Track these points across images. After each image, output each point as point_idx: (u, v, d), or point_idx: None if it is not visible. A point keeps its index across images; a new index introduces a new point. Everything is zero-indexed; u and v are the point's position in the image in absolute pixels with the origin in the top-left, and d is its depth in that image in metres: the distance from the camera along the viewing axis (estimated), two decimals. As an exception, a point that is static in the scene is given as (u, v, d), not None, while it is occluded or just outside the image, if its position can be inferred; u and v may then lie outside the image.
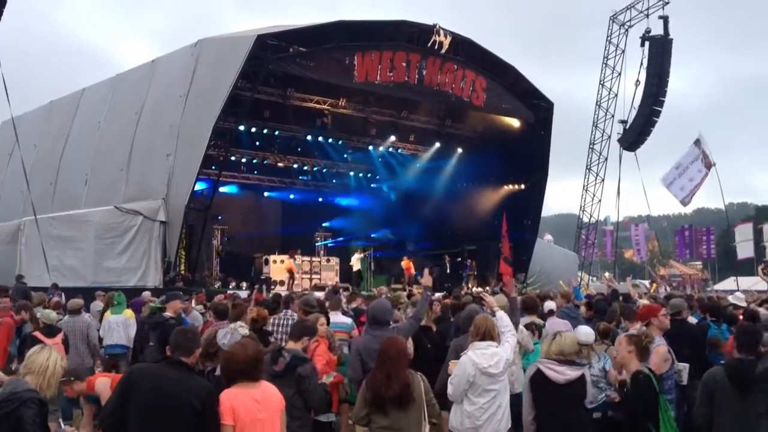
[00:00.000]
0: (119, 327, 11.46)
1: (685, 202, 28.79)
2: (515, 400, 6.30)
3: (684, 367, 7.29)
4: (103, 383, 6.51)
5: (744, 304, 11.09)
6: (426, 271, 8.24)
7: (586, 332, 7.27)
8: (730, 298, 12.03)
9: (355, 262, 27.84)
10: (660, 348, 6.60)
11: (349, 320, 9.40)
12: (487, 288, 24.35)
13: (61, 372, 4.97)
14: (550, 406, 5.67)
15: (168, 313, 9.55)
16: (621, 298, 12.41)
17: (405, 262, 28.17)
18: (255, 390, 4.70)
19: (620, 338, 6.26)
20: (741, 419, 5.36)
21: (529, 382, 5.83)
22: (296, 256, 26.48)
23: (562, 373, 5.64)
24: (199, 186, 22.51)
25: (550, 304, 9.98)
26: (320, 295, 15.77)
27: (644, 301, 11.03)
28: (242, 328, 7.91)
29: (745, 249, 35.49)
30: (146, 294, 14.17)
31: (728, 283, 35.63)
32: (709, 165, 26.92)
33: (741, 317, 9.52)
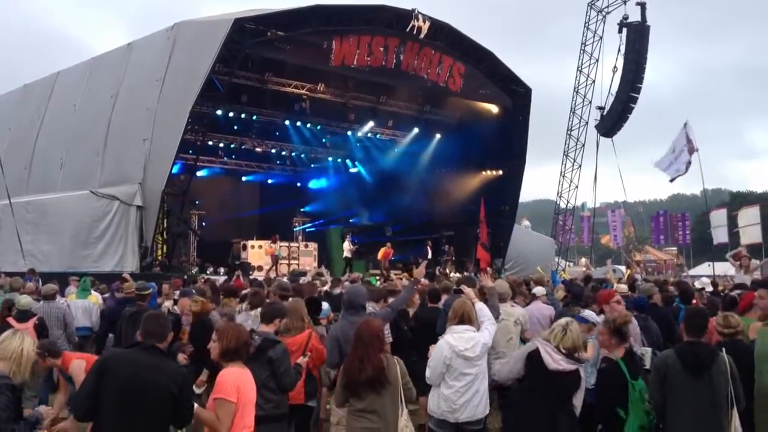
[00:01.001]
0: (79, 311, 11.65)
1: (673, 180, 29.04)
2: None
3: (646, 351, 7.37)
4: (79, 365, 6.51)
5: (710, 288, 11.29)
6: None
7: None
8: (697, 284, 12.26)
9: (346, 249, 27.73)
10: None
11: (326, 305, 9.36)
12: (466, 273, 24.40)
13: (34, 357, 4.96)
14: (535, 390, 5.61)
15: (175, 309, 9.52)
16: (593, 283, 12.53)
17: (382, 252, 28.09)
18: (247, 371, 4.85)
19: (600, 330, 6.30)
20: (694, 402, 5.38)
21: (525, 358, 5.71)
22: (277, 243, 26.39)
23: (558, 363, 5.53)
24: (176, 170, 22.34)
25: (539, 290, 9.90)
26: (303, 279, 15.73)
27: (622, 286, 11.15)
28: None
29: (720, 234, 35.87)
30: (126, 276, 14.05)
31: (703, 269, 36.08)
32: (692, 150, 27.14)
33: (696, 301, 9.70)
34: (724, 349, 5.63)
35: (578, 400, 5.72)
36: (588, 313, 7.32)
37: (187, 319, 8.57)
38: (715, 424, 5.38)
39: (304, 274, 20.61)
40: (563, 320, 5.93)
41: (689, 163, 27.51)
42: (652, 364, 5.93)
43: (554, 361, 5.55)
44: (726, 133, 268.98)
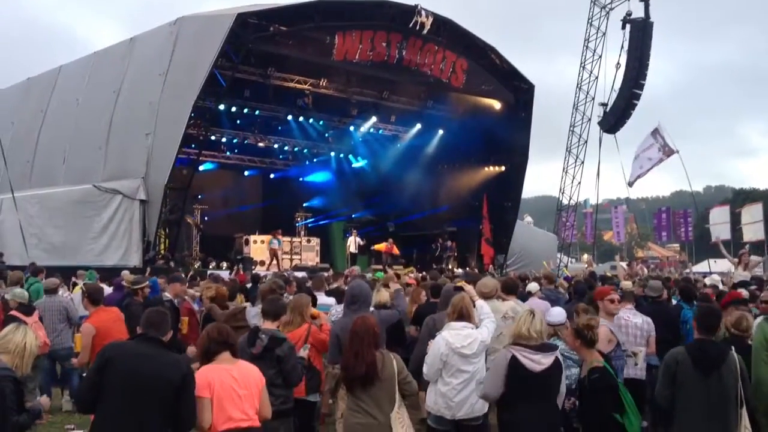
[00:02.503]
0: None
1: (630, 183, 29.04)
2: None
3: (639, 350, 7.37)
4: (87, 329, 6.70)
5: (721, 286, 11.26)
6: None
7: (557, 313, 7.14)
8: (707, 281, 12.20)
9: (352, 244, 27.75)
10: (601, 329, 6.28)
11: (332, 300, 9.34)
12: (467, 269, 24.43)
13: (36, 352, 5.01)
14: (525, 395, 5.48)
15: (167, 295, 9.60)
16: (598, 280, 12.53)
17: (382, 246, 28.12)
18: (232, 366, 4.84)
19: (566, 333, 6.24)
20: (703, 400, 5.37)
21: (506, 367, 5.49)
22: (279, 237, 26.38)
23: (538, 362, 5.42)
24: (179, 165, 22.37)
25: (533, 286, 9.95)
26: (300, 275, 15.78)
27: (627, 283, 11.16)
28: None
29: (721, 231, 35.81)
30: (125, 273, 14.12)
31: (704, 266, 36.03)
32: (670, 153, 27.01)
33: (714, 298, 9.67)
34: (734, 348, 5.61)
35: (563, 390, 5.73)
36: (557, 312, 7.23)
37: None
38: (723, 422, 5.38)
39: (304, 269, 20.68)
40: (526, 309, 6.06)
41: (659, 161, 27.32)
42: (662, 361, 5.91)
43: (535, 362, 5.42)
44: (723, 131, 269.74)
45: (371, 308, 7.70)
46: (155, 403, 4.46)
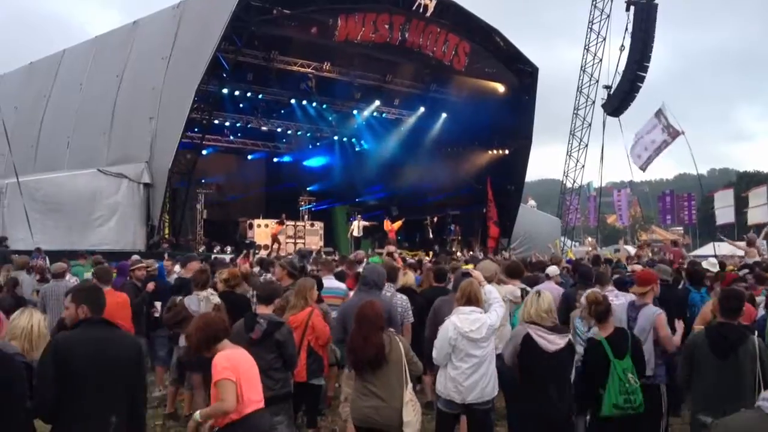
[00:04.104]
0: None
1: (642, 168, 28.98)
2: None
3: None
4: None
5: (717, 269, 11.21)
6: None
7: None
8: (705, 264, 12.14)
9: (355, 227, 27.72)
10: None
11: (343, 285, 9.23)
12: (471, 252, 24.45)
13: (45, 333, 4.91)
14: (537, 374, 5.64)
15: (186, 275, 9.55)
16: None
17: (387, 225, 28.15)
18: (243, 351, 4.83)
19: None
20: (720, 382, 5.39)
21: (520, 345, 5.75)
22: (285, 223, 26.33)
23: (553, 342, 5.61)
24: (182, 150, 22.35)
25: (552, 270, 9.81)
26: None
27: (637, 267, 11.13)
28: (213, 296, 7.91)
29: (724, 215, 35.80)
30: (135, 258, 14.10)
31: (708, 249, 36.02)
32: (675, 134, 26.93)
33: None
34: (756, 332, 5.63)
35: (572, 371, 5.93)
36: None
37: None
38: (740, 405, 5.37)
39: (309, 253, 20.65)
40: (533, 290, 6.19)
41: (665, 144, 27.26)
42: (684, 344, 5.95)
43: (549, 342, 5.61)
44: (720, 115, 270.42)
45: (393, 290, 7.85)
46: (123, 384, 4.41)
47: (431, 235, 29.04)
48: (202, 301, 7.82)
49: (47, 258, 14.82)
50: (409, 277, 8.83)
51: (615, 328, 6.01)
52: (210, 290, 8.03)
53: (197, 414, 4.62)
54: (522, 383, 5.79)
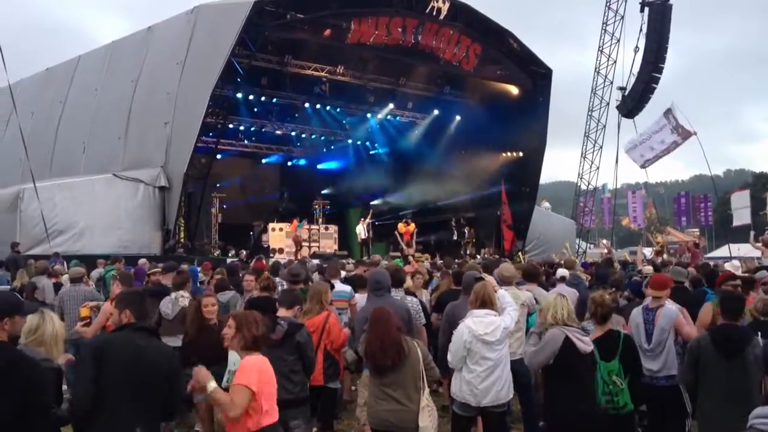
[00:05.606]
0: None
1: (644, 167, 28.72)
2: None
3: None
4: (108, 308, 6.66)
5: (740, 272, 11.12)
6: None
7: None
8: (727, 266, 12.04)
9: (360, 230, 27.68)
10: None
11: (348, 288, 9.28)
12: (485, 255, 24.40)
13: (64, 334, 4.94)
14: (579, 375, 5.59)
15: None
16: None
17: (402, 227, 28.09)
18: (266, 360, 4.70)
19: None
20: (725, 385, 5.38)
21: (559, 347, 5.58)
22: (306, 227, 26.37)
23: (588, 344, 5.61)
24: (197, 154, 22.47)
25: (563, 271, 9.87)
26: (315, 262, 15.76)
27: (648, 268, 11.07)
28: (183, 298, 8.01)
29: (741, 216, 35.44)
30: (142, 261, 14.19)
31: (724, 251, 35.75)
32: (686, 135, 26.64)
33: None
34: (760, 333, 5.61)
35: None
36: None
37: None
38: (745, 406, 5.34)
39: (323, 257, 20.68)
40: (552, 295, 6.18)
41: (675, 145, 26.99)
42: (688, 346, 5.92)
43: (585, 343, 5.59)
44: (728, 116, 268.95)
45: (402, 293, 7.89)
46: (158, 392, 4.39)
47: (455, 237, 28.93)
48: (171, 302, 7.99)
49: (65, 263, 14.91)
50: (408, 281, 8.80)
51: (608, 330, 6.02)
52: (182, 292, 8.18)
53: (211, 384, 4.37)
54: (560, 386, 5.69)
